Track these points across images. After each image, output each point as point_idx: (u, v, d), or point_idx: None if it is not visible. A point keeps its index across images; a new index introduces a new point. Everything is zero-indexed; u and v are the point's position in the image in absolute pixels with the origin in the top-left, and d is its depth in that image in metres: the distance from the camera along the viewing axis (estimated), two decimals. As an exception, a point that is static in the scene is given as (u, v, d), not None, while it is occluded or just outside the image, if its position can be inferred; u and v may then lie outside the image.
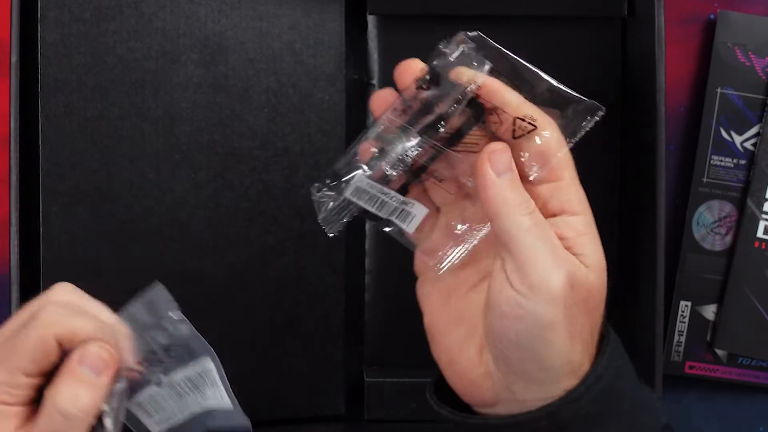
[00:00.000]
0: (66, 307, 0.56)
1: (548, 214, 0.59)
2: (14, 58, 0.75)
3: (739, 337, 0.86)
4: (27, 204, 0.76)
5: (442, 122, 0.58)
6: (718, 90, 0.86)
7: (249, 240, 0.79)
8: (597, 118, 0.61)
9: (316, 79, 0.79)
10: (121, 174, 0.77)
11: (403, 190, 0.60)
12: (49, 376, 0.56)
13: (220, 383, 0.59)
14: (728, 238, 0.86)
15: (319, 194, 0.60)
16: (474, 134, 0.59)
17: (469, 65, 0.58)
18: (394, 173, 0.59)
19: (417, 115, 0.59)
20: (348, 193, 0.59)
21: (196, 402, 0.59)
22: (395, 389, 0.81)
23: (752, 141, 0.86)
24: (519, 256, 0.57)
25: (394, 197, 0.59)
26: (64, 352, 0.56)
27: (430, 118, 0.58)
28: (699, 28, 0.87)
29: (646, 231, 0.78)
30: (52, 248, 0.76)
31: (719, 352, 0.87)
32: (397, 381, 0.81)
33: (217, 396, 0.59)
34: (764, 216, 0.85)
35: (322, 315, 0.80)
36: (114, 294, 0.58)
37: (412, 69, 0.60)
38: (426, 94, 0.59)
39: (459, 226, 0.61)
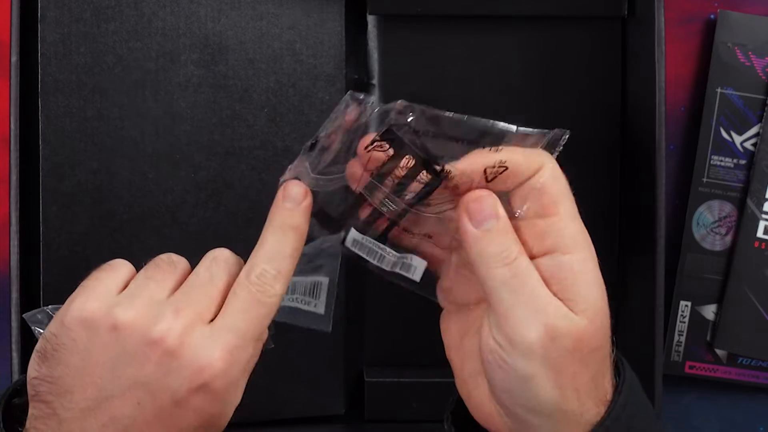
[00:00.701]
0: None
1: (541, 252, 0.57)
2: (14, 58, 0.75)
3: (739, 337, 0.86)
4: (27, 204, 0.76)
5: (407, 189, 0.58)
6: (718, 90, 0.86)
7: (249, 240, 0.79)
8: (561, 146, 0.59)
9: (316, 79, 0.79)
10: (121, 174, 0.77)
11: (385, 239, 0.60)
12: None
13: (324, 296, 0.62)
14: (728, 238, 0.86)
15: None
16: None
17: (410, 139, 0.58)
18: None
19: (385, 182, 0.58)
20: (348, 243, 0.59)
21: (294, 299, 0.62)
22: (395, 389, 0.81)
23: (752, 141, 0.86)
24: (497, 309, 0.56)
25: (390, 252, 0.59)
26: None
27: (391, 186, 0.58)
28: (699, 28, 0.87)
29: (646, 231, 0.78)
30: (52, 248, 0.76)
31: (719, 352, 0.87)
32: (397, 381, 0.81)
33: (317, 303, 0.62)
34: (764, 216, 0.85)
35: (322, 315, 0.80)
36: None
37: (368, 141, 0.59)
38: (387, 164, 0.58)
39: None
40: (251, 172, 0.78)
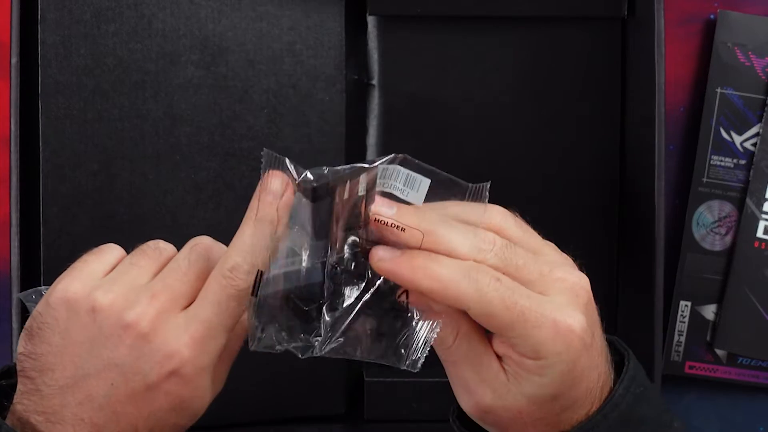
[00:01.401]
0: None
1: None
2: (14, 60, 0.75)
3: (739, 337, 0.86)
4: (27, 205, 0.76)
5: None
6: (718, 90, 0.86)
7: (249, 240, 0.79)
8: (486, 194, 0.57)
9: (316, 80, 0.79)
10: (121, 175, 0.77)
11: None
12: None
13: None
14: (728, 238, 0.86)
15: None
16: None
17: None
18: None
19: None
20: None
21: None
22: (395, 389, 0.81)
23: (752, 141, 0.86)
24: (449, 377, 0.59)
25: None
26: None
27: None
28: (699, 28, 0.87)
29: (646, 231, 0.78)
30: (52, 248, 0.77)
31: (719, 352, 0.87)
32: (397, 381, 0.81)
33: None
34: (764, 216, 0.85)
35: (322, 315, 0.80)
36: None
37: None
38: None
39: None
40: (251, 172, 0.79)
